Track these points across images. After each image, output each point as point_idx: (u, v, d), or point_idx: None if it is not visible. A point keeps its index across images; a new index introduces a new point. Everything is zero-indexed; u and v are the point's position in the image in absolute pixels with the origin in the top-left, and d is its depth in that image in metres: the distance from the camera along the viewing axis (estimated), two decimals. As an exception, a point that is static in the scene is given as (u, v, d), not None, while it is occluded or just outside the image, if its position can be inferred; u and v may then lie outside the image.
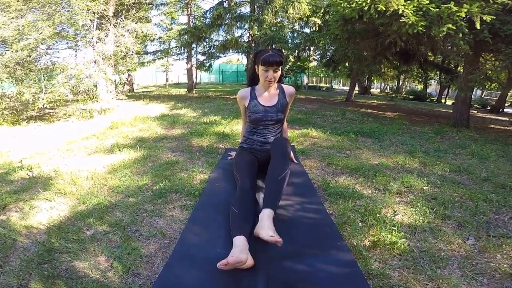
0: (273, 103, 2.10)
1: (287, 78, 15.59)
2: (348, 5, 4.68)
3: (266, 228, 1.34)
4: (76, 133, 4.20)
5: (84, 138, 3.85)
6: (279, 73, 1.98)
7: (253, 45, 10.17)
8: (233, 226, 1.39)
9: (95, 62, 6.41)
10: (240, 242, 1.27)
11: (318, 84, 25.93)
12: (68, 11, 5.73)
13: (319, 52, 12.48)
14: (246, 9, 11.37)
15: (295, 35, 11.29)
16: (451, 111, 6.46)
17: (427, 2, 3.91)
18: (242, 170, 1.86)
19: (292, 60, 12.08)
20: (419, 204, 1.91)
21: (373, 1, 4.23)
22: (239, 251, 1.20)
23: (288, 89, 2.17)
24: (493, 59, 5.89)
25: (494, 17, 3.71)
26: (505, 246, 1.49)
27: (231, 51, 11.20)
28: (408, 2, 4.03)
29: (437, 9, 3.86)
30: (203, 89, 15.42)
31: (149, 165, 2.66)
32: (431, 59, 7.94)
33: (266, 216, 1.42)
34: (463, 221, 1.72)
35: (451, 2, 3.75)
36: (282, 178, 1.64)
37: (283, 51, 2.09)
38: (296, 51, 11.31)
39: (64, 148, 3.33)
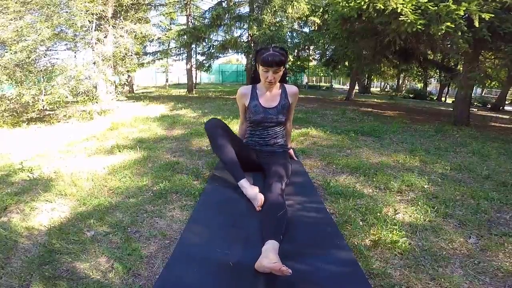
0: (273, 104, 2.05)
1: (287, 78, 15.55)
2: (347, 4, 4.67)
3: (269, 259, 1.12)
4: (76, 135, 4.20)
5: (84, 139, 3.85)
6: (280, 73, 1.91)
7: (252, 45, 10.17)
8: (230, 172, 1.82)
9: (94, 63, 6.41)
10: (245, 183, 1.73)
11: (318, 84, 25.89)
12: (67, 12, 5.73)
13: (318, 51, 12.46)
14: (245, 9, 11.36)
15: (294, 35, 11.29)
16: (451, 109, 6.46)
17: (426, 0, 3.91)
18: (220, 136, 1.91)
19: (292, 59, 12.07)
20: (420, 202, 1.91)
21: (372, 0, 4.23)
22: (252, 191, 1.68)
23: (291, 89, 2.10)
24: (492, 57, 5.88)
25: (493, 15, 3.71)
26: (507, 244, 1.49)
27: (230, 51, 11.20)
28: (407, 0, 4.02)
29: (436, 8, 3.86)
30: (203, 90, 15.42)
31: (149, 165, 2.66)
32: (431, 58, 7.93)
33: (271, 248, 1.19)
34: (464, 220, 1.71)
35: (450, 0, 3.75)
36: (282, 214, 1.44)
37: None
38: (296, 51, 11.32)
39: (64, 150, 3.33)
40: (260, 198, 1.59)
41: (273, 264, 1.08)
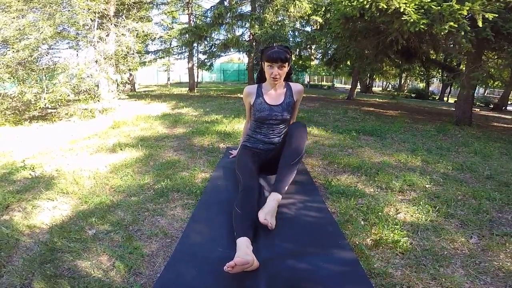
0: (279, 102, 2.06)
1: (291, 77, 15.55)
2: (349, 4, 4.66)
3: (265, 212, 1.49)
4: (78, 133, 4.21)
5: (86, 137, 3.86)
6: (284, 70, 1.94)
7: (254, 44, 10.16)
8: (236, 227, 1.38)
9: (96, 61, 6.41)
10: (243, 244, 1.25)
11: (320, 83, 25.89)
12: (69, 10, 5.74)
13: (320, 50, 12.43)
14: (247, 8, 11.35)
15: (296, 34, 11.25)
16: (454, 109, 6.44)
17: (429, 0, 3.89)
18: (245, 170, 1.84)
19: (294, 59, 12.05)
20: (421, 202, 1.91)
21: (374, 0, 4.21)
22: (244, 254, 1.18)
23: (296, 87, 2.12)
24: (495, 57, 5.85)
25: (497, 15, 3.69)
26: (508, 244, 1.48)
27: (232, 50, 11.22)
28: (410, 0, 4.00)
29: (439, 7, 3.84)
30: (205, 88, 15.42)
31: (151, 164, 2.66)
32: (433, 57, 7.89)
33: (271, 200, 1.57)
34: (466, 220, 1.71)
35: (453, 0, 3.73)
36: (295, 163, 1.75)
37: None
38: (297, 50, 11.28)
39: (66, 148, 3.33)
40: (240, 264, 1.12)
41: (263, 221, 1.44)
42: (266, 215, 1.46)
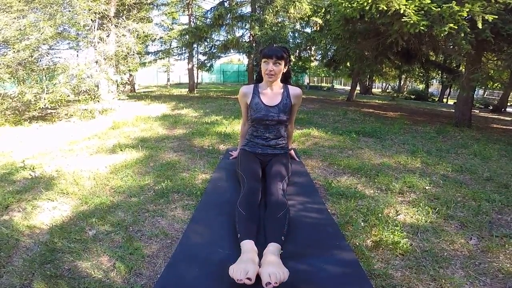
0: (275, 102, 2.03)
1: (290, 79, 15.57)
2: (349, 5, 4.67)
3: (269, 265, 1.10)
4: (78, 133, 4.21)
5: (86, 138, 3.86)
6: (280, 67, 1.92)
7: (254, 45, 10.17)
8: (240, 229, 1.34)
9: (96, 62, 6.41)
10: (248, 248, 1.21)
11: (319, 84, 25.91)
12: (70, 11, 5.74)
13: (320, 52, 12.43)
14: (247, 9, 11.37)
15: (296, 35, 11.26)
16: (453, 110, 6.46)
17: (429, 1, 3.91)
18: (248, 170, 1.80)
19: (293, 60, 12.07)
20: (421, 204, 1.91)
21: (374, 1, 4.22)
22: (249, 259, 1.13)
23: (294, 90, 2.07)
24: (495, 58, 5.86)
25: (496, 17, 3.70)
26: (508, 246, 1.49)
27: (232, 51, 11.23)
28: (410, 1, 4.02)
29: (439, 9, 3.85)
30: (204, 89, 15.42)
31: (151, 165, 2.66)
32: (433, 59, 7.91)
33: (272, 251, 1.19)
34: (465, 221, 1.71)
35: (453, 1, 3.75)
36: (282, 215, 1.41)
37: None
38: (297, 51, 11.30)
39: (66, 148, 3.34)
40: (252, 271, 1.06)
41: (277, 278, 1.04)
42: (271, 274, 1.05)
